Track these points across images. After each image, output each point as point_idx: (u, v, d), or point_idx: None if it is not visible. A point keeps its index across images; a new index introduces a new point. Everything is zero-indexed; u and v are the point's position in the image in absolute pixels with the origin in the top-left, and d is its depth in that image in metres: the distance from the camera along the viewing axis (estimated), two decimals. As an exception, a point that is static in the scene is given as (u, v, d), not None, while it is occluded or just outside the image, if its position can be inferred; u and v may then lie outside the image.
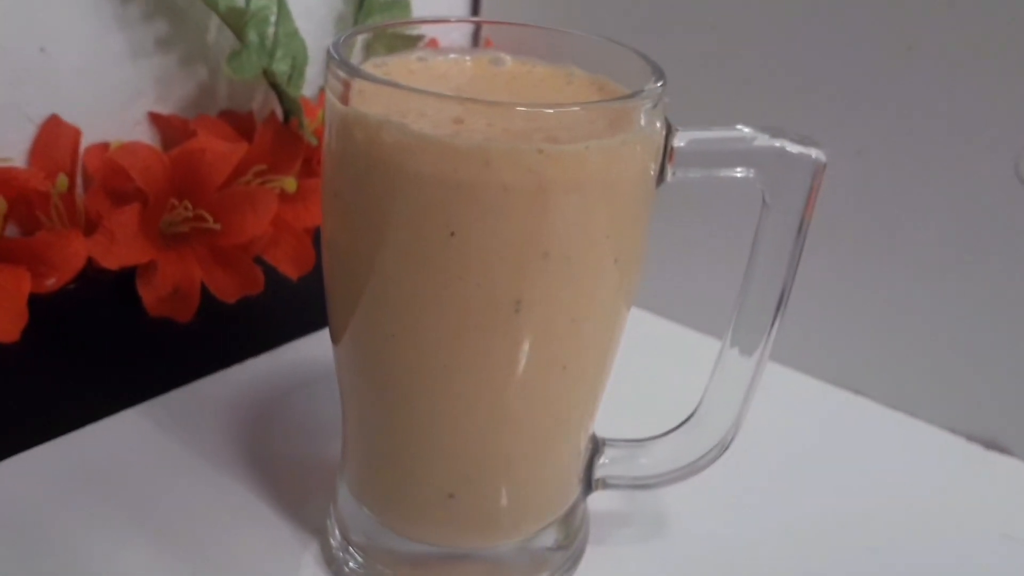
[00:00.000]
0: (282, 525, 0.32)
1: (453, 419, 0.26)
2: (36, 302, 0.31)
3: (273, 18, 0.37)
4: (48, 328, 0.32)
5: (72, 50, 0.34)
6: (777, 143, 0.26)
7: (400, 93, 0.23)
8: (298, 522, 0.32)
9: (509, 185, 0.23)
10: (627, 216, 0.25)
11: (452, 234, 0.23)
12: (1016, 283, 0.37)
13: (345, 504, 0.30)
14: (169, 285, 0.35)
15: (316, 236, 0.38)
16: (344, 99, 0.24)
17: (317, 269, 0.37)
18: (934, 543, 0.34)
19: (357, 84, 0.24)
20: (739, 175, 0.26)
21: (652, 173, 0.26)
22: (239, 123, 0.39)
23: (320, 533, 0.32)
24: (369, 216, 0.24)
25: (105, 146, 0.35)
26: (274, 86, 0.38)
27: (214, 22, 0.38)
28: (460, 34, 0.40)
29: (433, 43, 0.32)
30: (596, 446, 0.31)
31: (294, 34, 0.38)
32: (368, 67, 0.27)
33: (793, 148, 0.26)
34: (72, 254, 0.32)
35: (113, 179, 0.34)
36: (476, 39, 0.41)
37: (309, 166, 0.39)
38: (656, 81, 0.25)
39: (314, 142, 0.39)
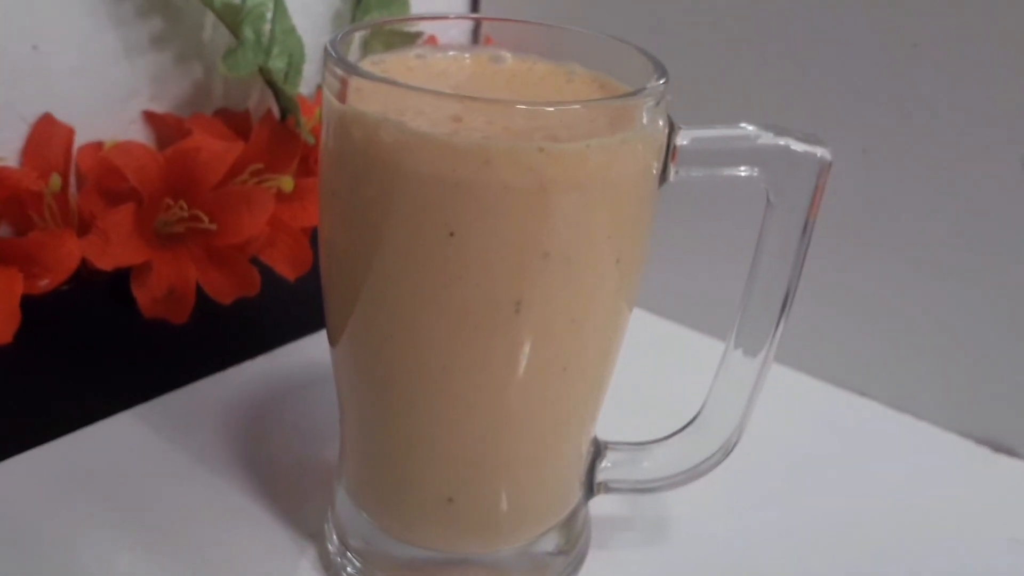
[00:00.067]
0: (279, 529, 0.32)
1: (452, 421, 0.26)
2: (29, 303, 0.31)
3: (269, 15, 0.37)
4: (41, 330, 0.32)
5: (66, 48, 0.34)
6: (781, 141, 0.25)
7: (398, 91, 0.23)
8: (295, 526, 0.32)
9: (509, 184, 0.22)
10: (629, 216, 0.25)
11: (451, 234, 0.23)
12: (1024, 283, 0.37)
13: (343, 508, 0.30)
14: (164, 286, 0.35)
15: (313, 236, 0.38)
16: (341, 97, 0.24)
17: (314, 270, 0.37)
18: (941, 547, 0.34)
19: (355, 82, 0.24)
20: (743, 174, 0.26)
21: (654, 172, 0.25)
22: (235, 122, 0.39)
23: (317, 537, 0.32)
24: (367, 216, 0.24)
25: (99, 145, 0.35)
26: (270, 84, 0.38)
27: (209, 19, 0.38)
28: (459, 31, 0.41)
29: (432, 40, 0.32)
30: (598, 449, 0.31)
31: (291, 31, 0.38)
32: (366, 64, 0.27)
33: (798, 146, 0.25)
34: (66, 255, 0.32)
35: (107, 179, 0.34)
36: (476, 36, 0.41)
37: (306, 165, 0.39)
38: (658, 79, 0.25)
39: (311, 141, 0.39)
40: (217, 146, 0.35)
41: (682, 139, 0.25)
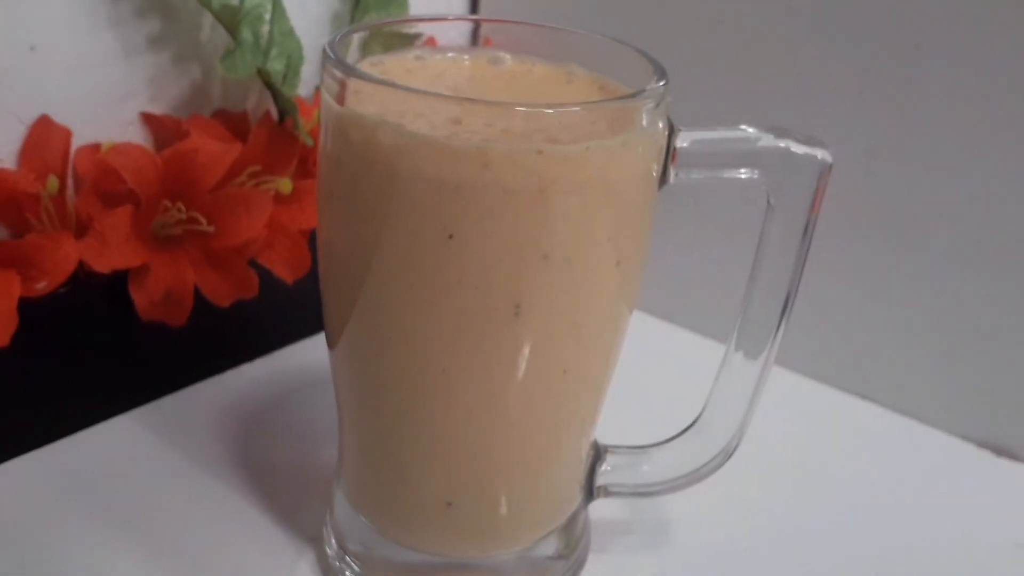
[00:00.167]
0: (277, 533, 0.32)
1: (451, 425, 0.26)
2: (26, 306, 0.31)
3: (268, 16, 0.37)
4: (39, 332, 0.32)
5: (63, 49, 0.34)
6: (782, 143, 0.25)
7: (397, 93, 0.23)
8: (293, 530, 0.32)
9: (508, 187, 0.22)
10: (629, 218, 0.25)
11: (450, 237, 0.23)
12: (1027, 286, 0.37)
13: (341, 512, 0.30)
14: (162, 289, 0.34)
15: (312, 239, 0.38)
16: (340, 99, 0.24)
17: (313, 272, 0.37)
18: (944, 552, 0.34)
19: (353, 84, 0.24)
20: (743, 176, 0.26)
21: (654, 174, 0.25)
22: (233, 123, 0.39)
23: (316, 542, 0.31)
24: (366, 218, 0.24)
25: (96, 147, 0.35)
26: (269, 85, 0.38)
27: (207, 20, 0.37)
28: (458, 32, 0.40)
29: (431, 42, 0.32)
30: (598, 453, 0.31)
31: (289, 32, 0.38)
32: (364, 66, 0.27)
33: (798, 148, 0.25)
34: (63, 257, 0.32)
35: (104, 180, 0.34)
36: (475, 38, 0.41)
37: (304, 167, 0.39)
38: (658, 80, 0.25)
39: (309, 143, 0.39)
40: (215, 148, 0.35)
41: (682, 141, 0.25)
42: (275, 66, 0.37)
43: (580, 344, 0.26)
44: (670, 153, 0.25)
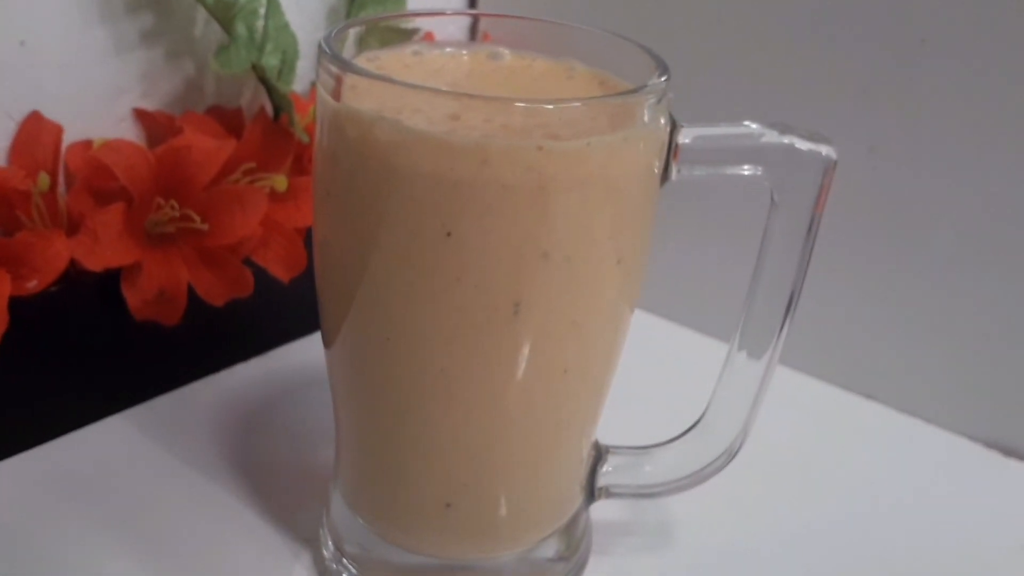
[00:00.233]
0: (273, 535, 0.32)
1: (450, 425, 0.26)
2: (17, 305, 0.31)
3: (262, 11, 0.37)
4: (29, 332, 0.32)
5: (54, 44, 0.34)
6: (786, 140, 0.25)
7: (394, 88, 0.23)
8: (289, 532, 0.32)
9: (508, 183, 0.22)
10: (630, 215, 0.25)
11: (449, 234, 0.23)
12: (1034, 284, 0.37)
13: (338, 513, 0.30)
14: (155, 287, 0.34)
15: (308, 237, 0.38)
16: (336, 95, 0.24)
17: (308, 271, 0.37)
18: (950, 553, 0.34)
19: (349, 79, 0.24)
20: (746, 173, 0.26)
21: (656, 171, 0.25)
22: (227, 119, 0.39)
23: (312, 543, 0.31)
24: (362, 216, 0.24)
25: (88, 143, 0.35)
26: (263, 81, 0.38)
27: (201, 15, 0.37)
28: (457, 27, 0.40)
29: (429, 37, 0.32)
30: (599, 453, 0.30)
31: (284, 27, 0.38)
32: (361, 61, 0.27)
33: (802, 145, 0.25)
34: (54, 255, 0.32)
35: (96, 178, 0.34)
36: (473, 33, 0.41)
37: (300, 164, 0.39)
38: (660, 76, 0.25)
39: (305, 139, 0.39)
40: (209, 144, 0.35)
41: (684, 137, 0.25)
42: (270, 61, 0.37)
43: (581, 343, 0.26)
44: (672, 149, 0.25)
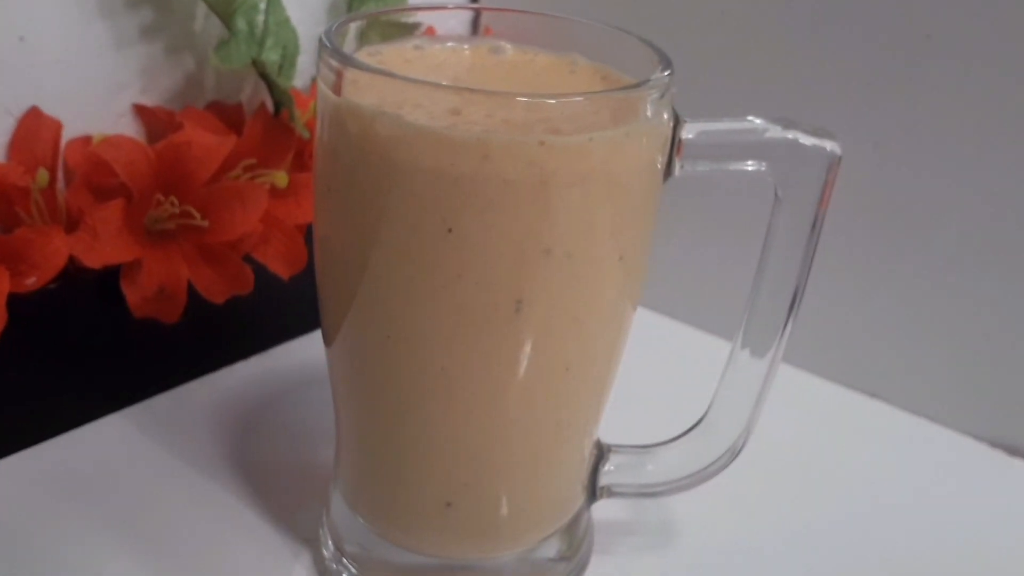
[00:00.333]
0: (273, 534, 0.32)
1: (451, 423, 0.26)
2: (15, 302, 0.31)
3: (263, 6, 0.37)
4: (28, 329, 0.32)
5: (53, 40, 0.33)
6: (790, 135, 0.25)
7: (395, 83, 0.23)
8: (289, 531, 0.32)
9: (509, 179, 0.22)
10: (632, 211, 0.25)
11: (450, 230, 0.23)
12: (1040, 282, 0.37)
13: (338, 513, 0.30)
14: (154, 284, 0.34)
15: (308, 233, 0.38)
16: (337, 89, 0.24)
17: (309, 268, 0.37)
18: (954, 553, 0.34)
19: (350, 74, 0.23)
20: (750, 168, 0.26)
21: (659, 166, 0.25)
22: (227, 115, 0.39)
23: (312, 543, 0.31)
24: (363, 212, 0.24)
25: (87, 139, 0.35)
26: (264, 76, 0.38)
27: (201, 10, 0.37)
28: (458, 21, 0.41)
29: (430, 31, 0.33)
30: (601, 452, 0.30)
31: (285, 22, 0.38)
32: (362, 56, 0.26)
33: (807, 140, 0.25)
34: (53, 252, 0.32)
35: (96, 174, 0.34)
36: (475, 27, 0.41)
37: (301, 160, 0.39)
38: (663, 70, 0.25)
39: (306, 135, 0.38)
40: (209, 140, 0.35)
41: (687, 132, 0.25)
42: (270, 56, 0.37)
43: (582, 341, 0.26)
44: (675, 145, 0.25)
